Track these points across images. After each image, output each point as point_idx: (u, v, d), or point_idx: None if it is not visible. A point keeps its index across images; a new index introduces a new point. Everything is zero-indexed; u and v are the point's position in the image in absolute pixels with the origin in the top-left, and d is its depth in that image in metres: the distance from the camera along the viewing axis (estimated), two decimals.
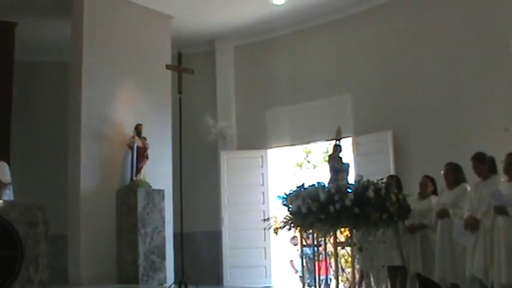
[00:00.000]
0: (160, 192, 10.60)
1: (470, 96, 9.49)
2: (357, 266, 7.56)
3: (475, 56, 9.48)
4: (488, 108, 9.19)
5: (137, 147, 10.49)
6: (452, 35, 9.85)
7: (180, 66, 9.01)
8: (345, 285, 8.84)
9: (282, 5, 11.52)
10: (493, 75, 9.23)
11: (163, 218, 10.53)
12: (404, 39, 10.69)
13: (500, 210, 6.60)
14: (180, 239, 8.91)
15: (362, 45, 11.40)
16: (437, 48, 10.07)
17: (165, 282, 10.12)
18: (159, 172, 10.81)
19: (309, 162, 17.29)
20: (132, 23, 11.16)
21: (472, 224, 7.01)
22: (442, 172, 7.90)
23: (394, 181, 8.15)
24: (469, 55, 9.59)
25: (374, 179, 7.30)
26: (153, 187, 10.52)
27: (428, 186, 8.31)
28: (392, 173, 9.71)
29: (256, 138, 12.68)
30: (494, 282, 6.61)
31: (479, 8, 9.48)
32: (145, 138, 10.62)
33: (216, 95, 13.07)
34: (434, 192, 8.29)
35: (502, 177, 7.08)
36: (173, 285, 8.48)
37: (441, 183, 8.08)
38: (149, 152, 10.60)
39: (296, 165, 16.54)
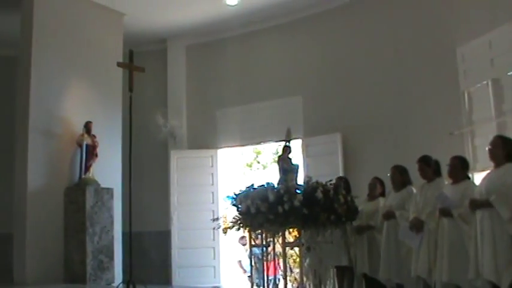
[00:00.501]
0: (110, 191, 10.54)
1: (417, 101, 9.68)
2: (306, 266, 7.63)
3: (423, 62, 9.67)
4: (433, 113, 9.39)
5: (86, 144, 10.41)
6: (401, 41, 10.05)
7: (131, 64, 9.00)
8: (293, 285, 8.92)
9: (235, 5, 11.57)
10: (439, 81, 9.42)
11: (112, 217, 10.46)
12: (355, 43, 10.86)
13: (445, 212, 6.80)
14: (128, 238, 8.90)
15: (314, 48, 11.54)
16: (386, 54, 10.26)
17: (113, 282, 10.07)
18: (108, 170, 10.72)
19: (258, 162, 17.43)
20: (83, 18, 11.05)
21: (417, 225, 7.22)
22: (389, 174, 8.10)
23: (343, 182, 8.26)
24: (417, 61, 9.78)
25: (323, 180, 7.37)
26: (102, 185, 10.44)
27: (377, 187, 8.48)
28: (341, 174, 9.88)
29: (206, 138, 12.71)
30: (437, 281, 6.82)
31: (427, 17, 9.67)
32: (94, 136, 10.53)
33: (167, 94, 13.06)
34: (383, 194, 8.46)
35: (446, 180, 7.30)
36: (121, 285, 8.46)
37: (390, 185, 8.27)
38: (98, 150, 10.50)
39: (246, 165, 16.64)
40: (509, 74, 8.41)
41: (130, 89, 8.70)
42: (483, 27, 8.62)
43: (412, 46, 9.86)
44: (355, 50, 10.84)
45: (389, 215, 7.84)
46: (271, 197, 7.11)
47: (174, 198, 12.47)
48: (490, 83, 8.61)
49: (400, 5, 10.18)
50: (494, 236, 6.05)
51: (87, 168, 10.39)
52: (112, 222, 10.45)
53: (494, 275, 5.96)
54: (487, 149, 6.58)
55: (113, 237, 10.42)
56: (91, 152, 10.44)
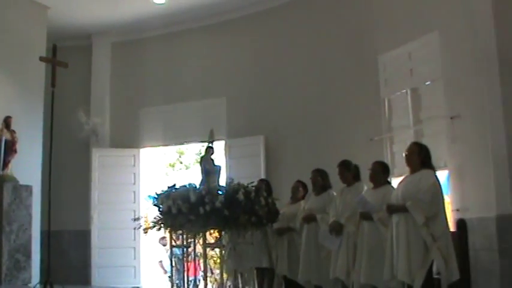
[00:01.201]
0: (28, 188, 10.29)
1: (340, 107, 9.87)
2: (226, 267, 7.69)
3: (346, 69, 9.87)
4: (355, 119, 9.61)
5: (5, 140, 10.18)
6: (325, 48, 10.21)
7: (54, 59, 8.89)
8: (213, 286, 8.97)
9: (163, 4, 11.54)
10: (361, 88, 9.64)
11: (30, 215, 10.19)
12: (280, 48, 10.99)
13: (366, 216, 7.01)
14: (47, 237, 8.78)
15: (239, 50, 11.61)
16: (310, 60, 10.42)
17: (30, 282, 9.85)
18: (27, 167, 10.46)
19: (181, 163, 17.40)
20: (5, 9, 10.71)
21: (337, 229, 7.41)
22: (310, 177, 8.26)
23: (264, 185, 8.29)
24: (340, 68, 9.97)
25: (245, 182, 7.44)
26: (21, 182, 10.17)
27: (299, 191, 8.58)
28: (262, 177, 9.96)
29: (129, 137, 12.61)
30: (355, 283, 7.03)
31: (351, 25, 9.87)
32: (14, 131, 10.26)
33: (91, 91, 12.86)
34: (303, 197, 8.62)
35: (366, 184, 7.52)
36: (38, 285, 8.34)
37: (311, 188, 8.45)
38: (18, 146, 10.24)
39: (169, 165, 16.60)
40: (427, 83, 8.72)
41: (53, 85, 8.60)
42: (404, 38, 8.88)
43: (336, 52, 10.05)
44: (279, 53, 10.98)
45: (310, 218, 7.97)
46: (192, 198, 7.15)
47: (94, 197, 12.31)
48: (409, 92, 8.90)
49: (325, 11, 10.35)
50: (409, 240, 6.27)
51: (6, 165, 10.12)
52: (30, 221, 10.18)
53: (408, 276, 6.20)
54: (404, 155, 6.82)
55: (30, 236, 10.16)
56: (10, 148, 10.18)
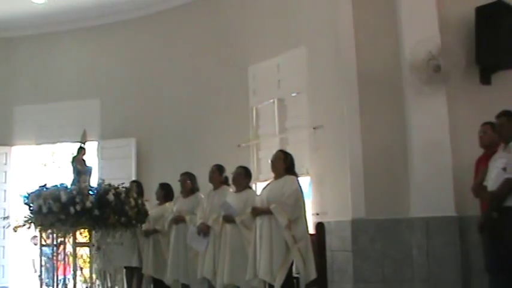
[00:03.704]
0: None
1: (212, 113, 9.85)
2: (95, 267, 7.53)
3: (219, 76, 9.85)
4: (225, 125, 9.62)
5: None
6: (199, 56, 10.15)
7: None
8: (83, 285, 8.75)
9: (42, 4, 11.07)
10: (232, 96, 9.68)
11: None
12: (155, 52, 10.83)
13: (229, 219, 7.08)
14: None
15: (114, 53, 11.33)
16: (185, 66, 10.34)
17: None
18: None
19: (54, 162, 16.85)
20: None
21: (204, 230, 7.46)
22: (178, 180, 8.23)
23: (135, 186, 8.21)
24: (213, 75, 9.93)
25: (116, 183, 7.33)
26: None
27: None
28: (134, 178, 9.83)
29: (1, 135, 12.04)
30: (219, 282, 7.08)
31: (225, 34, 9.87)
32: None
33: None
34: (168, 199, 8.58)
35: (231, 188, 7.59)
36: None
37: (177, 191, 8.41)
38: None
39: (41, 164, 16.01)
40: (293, 95, 8.89)
41: None
42: (273, 51, 8.99)
43: (209, 60, 10.01)
44: (154, 58, 10.81)
45: (179, 220, 7.97)
46: (63, 197, 6.94)
47: None
48: (275, 102, 9.03)
49: (202, 20, 10.27)
50: (272, 241, 6.39)
51: None
52: None
53: (269, 275, 6.32)
54: (269, 161, 6.93)
55: None
56: None
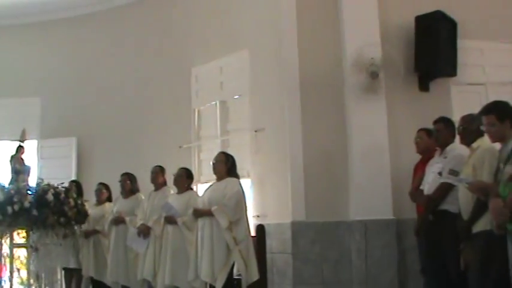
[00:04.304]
0: None
1: (154, 114, 9.74)
2: (33, 268, 7.37)
3: (162, 77, 9.75)
4: (167, 126, 9.53)
5: None
6: (143, 56, 10.02)
7: None
8: (20, 287, 8.56)
9: None
10: (174, 97, 9.60)
11: None
12: (97, 50, 10.61)
13: (170, 220, 7.03)
14: None
15: (56, 51, 11.05)
16: (128, 65, 10.18)
17: None
18: None
19: None
20: None
21: (144, 231, 7.38)
22: (119, 181, 8.13)
23: (75, 186, 8.12)
24: (156, 76, 9.82)
25: (55, 183, 7.22)
26: None
27: (102, 193, 8.45)
28: (73, 178, 9.64)
29: None
30: (160, 283, 7.02)
31: (169, 37, 9.74)
32: None
33: None
34: (109, 199, 8.47)
35: (172, 190, 7.55)
36: None
37: (117, 191, 8.30)
38: None
39: None
40: (235, 97, 8.89)
41: None
42: (216, 53, 8.98)
43: (153, 60, 9.90)
44: (96, 58, 10.60)
45: (118, 221, 7.87)
46: (0, 197, 6.85)
47: None
48: (218, 104, 9.01)
49: (145, 17, 10.17)
50: (213, 242, 6.40)
51: None
52: None
53: (211, 277, 6.33)
54: (211, 163, 6.92)
55: None
56: None
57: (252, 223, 7.30)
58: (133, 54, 10.19)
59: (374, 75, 7.06)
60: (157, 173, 7.75)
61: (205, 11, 9.28)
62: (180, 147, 9.20)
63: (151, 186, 7.82)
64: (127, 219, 7.81)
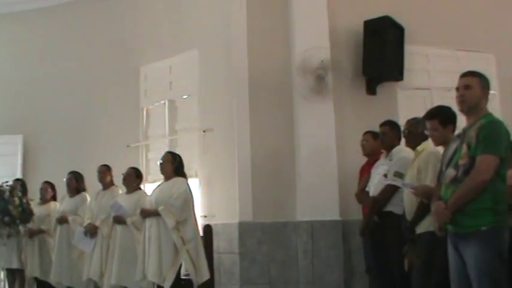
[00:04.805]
0: None
1: (101, 112, 9.59)
2: None
3: (110, 75, 9.61)
4: (115, 125, 9.40)
5: None
6: (91, 54, 9.86)
7: None
8: None
9: None
10: (123, 96, 9.48)
11: None
12: (45, 49, 10.41)
13: (119, 220, 6.97)
14: None
15: (0, 47, 10.86)
16: (76, 62, 10.00)
17: None
18: None
19: None
20: None
21: (92, 231, 7.29)
22: (64, 179, 8.00)
23: (20, 185, 7.99)
24: (104, 74, 9.68)
25: (0, 181, 7.08)
26: None
27: (47, 191, 8.31)
28: (19, 176, 9.44)
29: None
30: (106, 283, 6.95)
31: (118, 35, 9.58)
32: None
33: None
34: (54, 198, 8.33)
35: (121, 189, 7.47)
36: None
37: (63, 190, 8.17)
38: None
39: None
40: (184, 97, 8.85)
41: None
42: (166, 52, 8.91)
43: (101, 59, 9.75)
44: (44, 54, 10.38)
45: (63, 220, 7.75)
46: None
47: None
48: (166, 103, 8.94)
49: (95, 17, 9.98)
50: (160, 242, 6.38)
51: None
52: None
53: (158, 277, 6.30)
54: (158, 162, 6.87)
55: None
56: None
57: (200, 223, 7.29)
58: (82, 51, 10.02)
59: (320, 78, 7.12)
60: (105, 172, 7.65)
61: (155, 9, 9.20)
62: (127, 146, 9.10)
63: (100, 186, 7.72)
64: (70, 218, 7.69)
